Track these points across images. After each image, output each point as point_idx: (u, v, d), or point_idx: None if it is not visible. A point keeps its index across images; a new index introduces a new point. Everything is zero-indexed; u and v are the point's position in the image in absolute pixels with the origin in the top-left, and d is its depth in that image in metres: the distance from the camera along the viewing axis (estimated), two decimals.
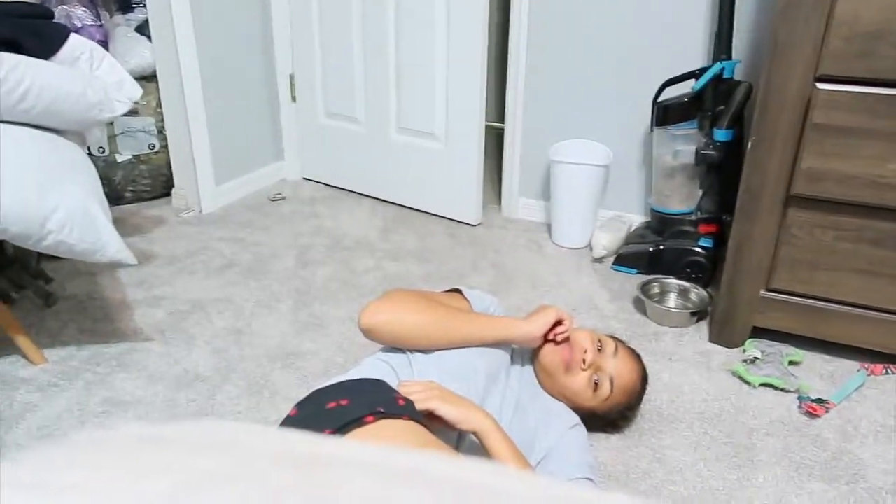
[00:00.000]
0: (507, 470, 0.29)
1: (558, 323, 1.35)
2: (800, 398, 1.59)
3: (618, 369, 1.37)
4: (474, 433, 1.11)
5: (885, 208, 1.53)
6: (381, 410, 0.98)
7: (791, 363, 1.71)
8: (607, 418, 1.43)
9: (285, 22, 2.80)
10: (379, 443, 0.94)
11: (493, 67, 2.66)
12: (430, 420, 1.10)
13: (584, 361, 1.33)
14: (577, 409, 1.37)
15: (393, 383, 1.16)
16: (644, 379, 1.44)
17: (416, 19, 2.46)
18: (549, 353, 1.36)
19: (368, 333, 1.26)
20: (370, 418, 0.97)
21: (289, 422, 1.05)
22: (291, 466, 0.27)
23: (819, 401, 1.57)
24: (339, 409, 1.00)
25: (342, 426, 0.96)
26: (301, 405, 1.07)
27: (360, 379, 1.14)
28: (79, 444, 0.30)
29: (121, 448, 0.29)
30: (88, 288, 2.07)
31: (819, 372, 1.71)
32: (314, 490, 0.24)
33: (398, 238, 2.46)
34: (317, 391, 1.10)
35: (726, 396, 1.62)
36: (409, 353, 1.26)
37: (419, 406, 1.09)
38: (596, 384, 1.34)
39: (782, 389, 1.62)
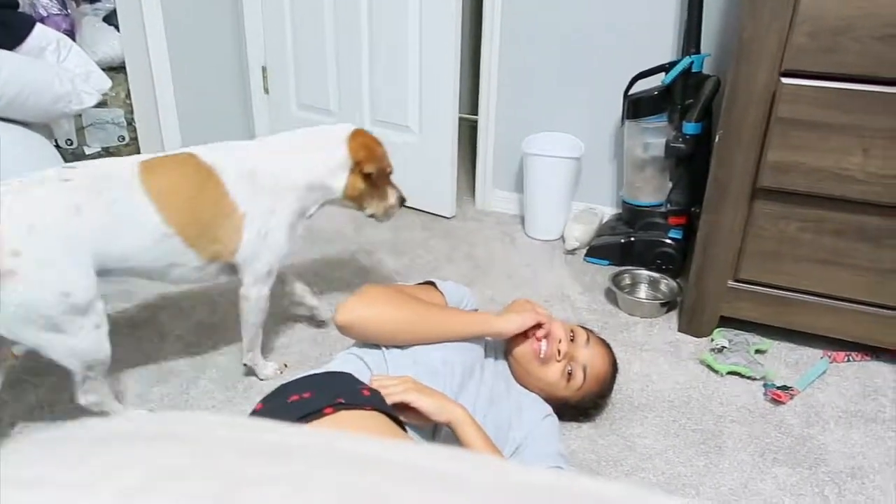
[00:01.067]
0: (472, 457, 0.30)
1: (537, 326, 1.36)
2: (765, 385, 1.63)
3: (590, 359, 1.40)
4: (448, 424, 1.13)
5: (847, 200, 1.57)
6: (342, 402, 0.99)
7: (757, 352, 1.76)
8: (580, 407, 1.46)
9: (257, 12, 2.77)
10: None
11: (467, 60, 2.67)
12: (405, 412, 1.11)
13: (558, 353, 1.35)
14: (551, 400, 1.39)
15: (365, 378, 1.17)
16: (615, 367, 1.47)
17: (389, 11, 2.45)
18: (523, 346, 1.38)
19: (344, 330, 1.27)
20: (329, 410, 0.98)
21: (255, 416, 1.05)
22: (257, 457, 0.27)
23: (784, 387, 1.61)
24: (301, 401, 1.01)
25: (301, 417, 0.97)
26: (266, 399, 1.08)
27: (326, 372, 1.15)
28: (47, 440, 0.30)
29: (89, 443, 0.29)
30: None
31: (784, 360, 1.76)
32: (281, 480, 0.25)
33: (372, 231, 2.46)
34: (282, 385, 1.10)
35: (695, 385, 1.66)
36: (383, 348, 1.27)
37: (394, 398, 1.10)
38: (569, 374, 1.37)
39: (749, 377, 1.67)
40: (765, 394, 1.62)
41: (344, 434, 0.32)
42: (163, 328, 1.84)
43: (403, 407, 1.11)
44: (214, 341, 1.79)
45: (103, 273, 1.34)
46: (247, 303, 1.55)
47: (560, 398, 1.40)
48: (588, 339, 1.42)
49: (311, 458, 0.27)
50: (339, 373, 1.15)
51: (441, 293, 1.43)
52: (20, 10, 1.99)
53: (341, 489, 0.25)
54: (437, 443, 1.18)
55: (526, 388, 1.40)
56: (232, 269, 1.52)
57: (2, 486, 0.25)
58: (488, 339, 1.40)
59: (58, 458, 0.28)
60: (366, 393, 1.05)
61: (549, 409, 1.39)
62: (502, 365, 1.42)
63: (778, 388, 1.61)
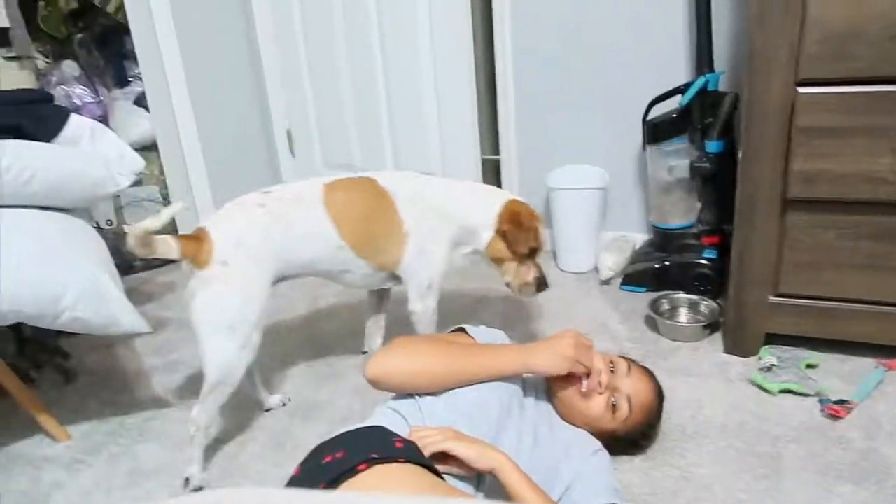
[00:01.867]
0: None
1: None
2: (821, 401, 1.58)
3: (633, 388, 1.37)
4: (491, 472, 1.11)
5: (882, 202, 1.54)
6: (375, 456, 0.98)
7: (808, 366, 1.70)
8: (629, 439, 1.42)
9: (277, 80, 2.87)
10: (372, 489, 0.94)
11: (484, 102, 2.71)
12: (446, 462, 1.10)
13: (599, 384, 1.34)
14: (599, 434, 1.37)
15: (402, 429, 1.16)
16: (660, 395, 1.44)
17: (403, 65, 2.52)
18: (563, 382, 1.36)
19: (374, 384, 1.26)
20: (363, 466, 0.97)
21: (293, 482, 1.05)
22: None
23: (840, 402, 1.55)
24: (335, 461, 1.00)
25: (335, 478, 0.96)
26: (303, 463, 1.08)
27: (358, 428, 1.14)
28: None
29: None
30: (106, 360, 2.10)
31: (837, 372, 1.70)
32: None
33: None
34: (317, 447, 1.10)
35: (747, 406, 1.61)
36: (416, 396, 1.27)
37: (432, 448, 1.09)
38: (614, 406, 1.34)
39: (802, 394, 1.61)
40: (821, 410, 1.56)
41: (393, 497, 0.32)
42: None
43: (444, 457, 1.10)
44: (259, 404, 1.81)
45: (288, 278, 1.61)
46: (415, 316, 1.73)
47: (608, 431, 1.37)
48: (629, 368, 1.39)
49: None
50: (371, 427, 1.15)
51: (472, 339, 1.42)
52: (55, 102, 2.10)
53: None
54: (482, 492, 1.17)
55: (572, 423, 1.38)
56: (398, 279, 1.72)
57: None
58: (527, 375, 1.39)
59: None
60: (399, 445, 1.05)
61: (598, 444, 1.36)
62: (543, 399, 1.40)
63: (834, 402, 1.55)
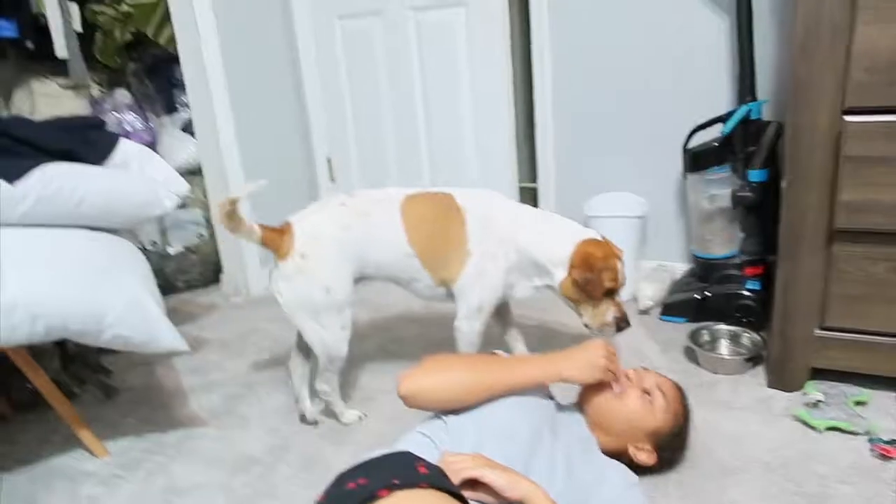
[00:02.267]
0: None
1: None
2: (871, 440, 1.51)
3: (658, 381, 1.40)
4: (521, 501, 1.09)
5: None
6: (397, 483, 0.97)
7: (857, 403, 1.64)
8: (674, 434, 1.41)
9: (320, 108, 2.93)
10: None
11: (522, 129, 2.72)
12: (474, 490, 1.08)
13: (628, 378, 1.37)
14: (644, 438, 1.36)
15: (431, 454, 1.15)
16: (684, 395, 1.46)
17: (441, 93, 2.55)
18: (597, 389, 1.37)
19: (408, 401, 1.26)
20: (384, 492, 0.95)
21: None
22: None
23: (892, 442, 1.48)
24: (358, 488, 0.99)
25: None
26: (327, 490, 1.07)
27: (383, 454, 1.13)
28: None
29: None
30: (146, 378, 2.13)
31: (888, 411, 1.63)
32: None
33: (440, 305, 2.47)
34: (340, 474, 1.09)
35: (791, 443, 1.55)
36: (443, 417, 1.25)
37: (465, 474, 1.07)
38: (648, 394, 1.37)
39: (851, 432, 1.55)
40: (871, 449, 1.50)
41: None
42: (243, 416, 1.88)
43: (473, 484, 1.08)
44: (292, 425, 1.81)
45: (366, 277, 1.72)
46: (459, 333, 1.73)
47: (652, 430, 1.36)
48: (646, 370, 1.44)
49: None
50: (396, 453, 1.13)
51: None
52: (106, 128, 2.17)
53: None
54: None
55: (610, 437, 1.36)
56: (454, 296, 1.73)
57: None
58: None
59: None
60: (422, 470, 1.03)
61: (634, 478, 1.32)
62: (578, 423, 1.37)
63: (885, 442, 1.49)
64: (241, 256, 2.71)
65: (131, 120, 2.88)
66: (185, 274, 2.80)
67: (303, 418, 1.82)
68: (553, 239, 1.66)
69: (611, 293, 1.65)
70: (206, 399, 1.99)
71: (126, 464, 1.71)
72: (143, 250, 2.60)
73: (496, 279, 1.68)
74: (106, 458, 1.74)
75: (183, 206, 2.66)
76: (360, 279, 1.71)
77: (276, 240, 1.61)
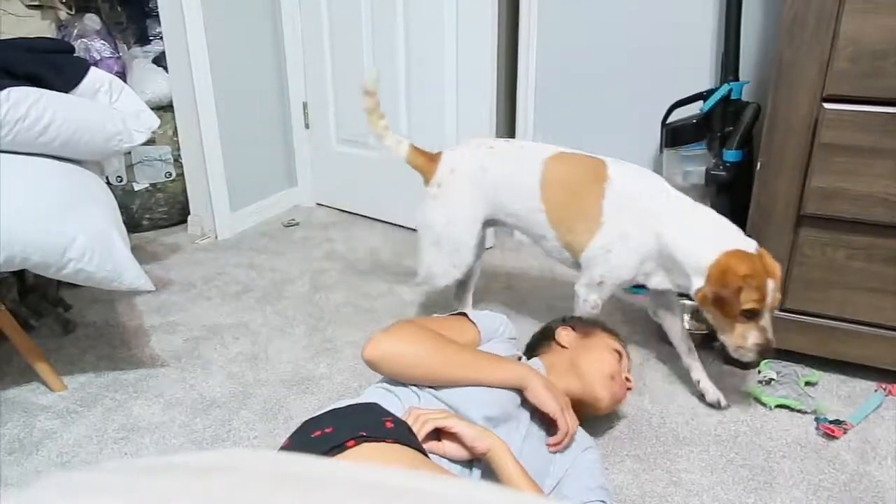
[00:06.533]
0: (497, 488, 0.30)
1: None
2: (817, 419, 1.58)
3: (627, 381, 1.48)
4: (486, 454, 1.11)
5: None
6: (364, 434, 0.98)
7: (807, 384, 1.70)
8: (591, 411, 1.44)
9: (298, 51, 2.85)
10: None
11: (503, 89, 2.69)
12: (440, 445, 1.10)
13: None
14: (587, 392, 1.40)
15: (397, 409, 1.15)
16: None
17: (424, 46, 2.50)
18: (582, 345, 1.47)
19: (372, 366, 1.23)
20: (351, 443, 0.97)
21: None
22: (289, 487, 0.28)
23: (837, 422, 1.55)
24: (324, 436, 1.01)
25: (324, 453, 0.96)
26: (292, 436, 1.08)
27: (350, 405, 1.14)
28: (91, 473, 0.31)
29: (135, 475, 0.31)
30: (106, 315, 2.10)
31: (836, 392, 1.70)
32: None
33: (411, 262, 2.48)
34: (307, 421, 1.10)
35: (742, 418, 1.61)
36: (415, 388, 1.24)
37: (433, 424, 1.09)
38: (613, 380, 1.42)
39: (799, 411, 1.61)
40: (817, 428, 1.56)
41: (370, 465, 0.32)
42: (206, 359, 1.87)
43: (439, 439, 1.10)
44: (256, 372, 1.81)
45: (499, 223, 1.79)
46: (578, 298, 1.71)
47: (593, 396, 1.40)
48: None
49: (343, 490, 0.28)
50: (363, 404, 1.14)
51: (474, 324, 1.41)
52: (75, 54, 2.09)
53: None
54: (471, 477, 1.16)
55: (560, 376, 1.39)
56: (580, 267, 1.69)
57: None
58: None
59: (99, 489, 0.29)
60: (389, 425, 1.04)
61: (590, 440, 1.36)
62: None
63: (831, 422, 1.55)
64: (209, 198, 2.66)
65: (100, 47, 2.76)
66: (151, 212, 2.73)
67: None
68: (698, 242, 1.48)
69: (754, 314, 1.44)
70: (167, 340, 1.97)
71: (83, 399, 1.69)
72: (109, 185, 2.53)
73: (626, 260, 1.58)
74: (63, 392, 1.72)
75: (151, 142, 2.58)
76: (493, 223, 1.79)
77: (423, 165, 1.73)
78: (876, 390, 1.69)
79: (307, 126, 2.97)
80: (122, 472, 0.32)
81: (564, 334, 1.50)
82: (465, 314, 1.45)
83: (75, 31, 2.73)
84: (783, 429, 1.57)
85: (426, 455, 1.06)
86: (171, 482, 0.29)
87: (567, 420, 1.27)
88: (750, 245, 1.47)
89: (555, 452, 1.28)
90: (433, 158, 1.74)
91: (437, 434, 1.13)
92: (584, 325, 1.53)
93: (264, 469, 0.31)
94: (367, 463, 0.94)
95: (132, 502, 0.27)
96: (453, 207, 1.71)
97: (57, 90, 1.74)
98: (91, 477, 0.31)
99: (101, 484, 0.30)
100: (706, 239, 1.48)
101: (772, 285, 1.43)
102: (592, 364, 1.40)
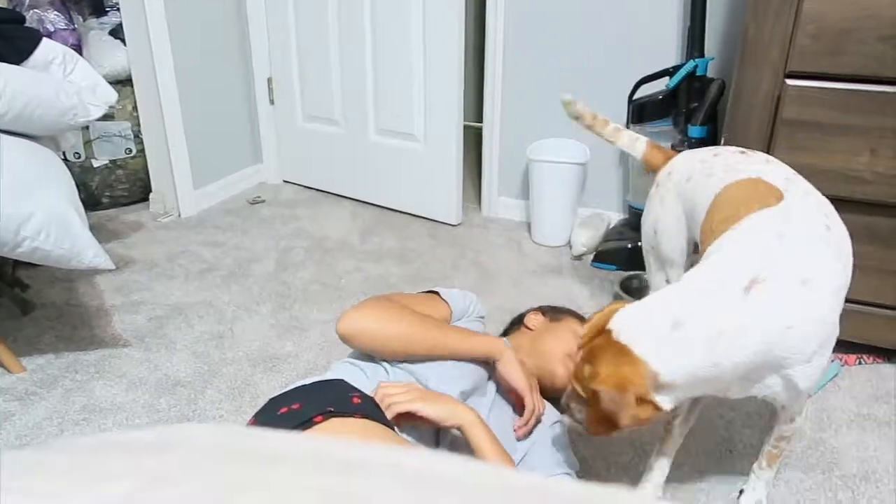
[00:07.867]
0: (461, 459, 0.30)
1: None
2: None
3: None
4: (459, 428, 1.11)
5: (856, 201, 1.56)
6: (331, 409, 0.98)
7: None
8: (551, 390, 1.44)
9: (262, 25, 2.79)
10: None
11: (471, 67, 2.67)
12: (410, 421, 1.10)
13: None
14: (544, 364, 1.41)
15: (364, 385, 1.15)
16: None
17: (392, 21, 2.46)
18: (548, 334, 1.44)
19: (346, 340, 1.23)
20: (319, 418, 0.97)
21: None
22: (244, 463, 0.27)
23: None
24: (290, 412, 1.00)
25: (291, 429, 0.96)
26: (258, 414, 1.07)
27: (316, 381, 1.14)
28: (40, 451, 0.30)
29: (79, 453, 0.29)
30: (66, 295, 2.05)
31: None
32: (267, 485, 0.25)
33: (378, 239, 2.46)
34: (272, 398, 1.09)
35: None
36: (384, 364, 1.25)
37: (400, 408, 1.09)
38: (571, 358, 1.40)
39: None
40: None
41: (330, 439, 0.32)
42: (170, 339, 1.84)
43: (408, 416, 1.10)
44: (222, 351, 1.79)
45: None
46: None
47: (550, 371, 1.41)
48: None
49: (297, 463, 0.27)
50: (330, 381, 1.14)
51: (446, 302, 1.42)
52: (27, 24, 2.01)
53: (326, 493, 0.25)
54: (440, 448, 1.17)
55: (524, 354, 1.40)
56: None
57: None
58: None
59: (45, 468, 0.28)
60: (356, 401, 1.04)
61: (557, 414, 1.38)
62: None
63: None
64: (172, 175, 2.60)
65: (53, 18, 2.66)
66: (111, 189, 2.66)
67: None
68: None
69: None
70: (129, 320, 1.93)
71: (43, 381, 1.66)
72: (65, 161, 2.45)
73: None
74: (22, 374, 1.68)
75: (110, 117, 2.51)
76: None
77: (654, 160, 1.52)
78: (833, 360, 1.73)
79: (272, 102, 2.91)
80: (71, 450, 0.31)
81: (534, 318, 1.52)
82: (436, 292, 1.45)
83: (27, 1, 2.63)
84: (742, 399, 1.61)
85: (394, 430, 1.06)
86: (123, 459, 0.29)
87: (534, 399, 1.29)
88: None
89: (521, 438, 1.29)
90: (666, 155, 1.50)
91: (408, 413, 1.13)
92: (555, 312, 1.54)
93: (218, 443, 0.30)
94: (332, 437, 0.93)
95: (81, 481, 0.26)
96: (658, 215, 1.44)
97: (6, 62, 1.67)
98: (41, 456, 0.30)
99: (51, 463, 0.29)
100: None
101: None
102: (552, 342, 1.42)
